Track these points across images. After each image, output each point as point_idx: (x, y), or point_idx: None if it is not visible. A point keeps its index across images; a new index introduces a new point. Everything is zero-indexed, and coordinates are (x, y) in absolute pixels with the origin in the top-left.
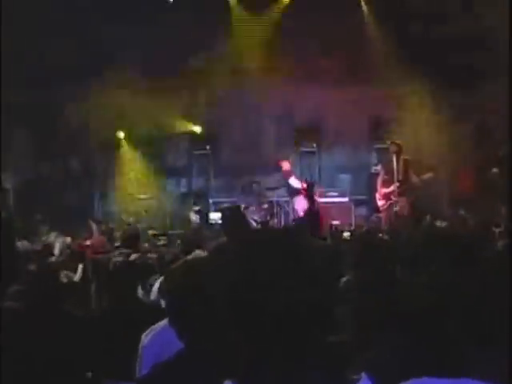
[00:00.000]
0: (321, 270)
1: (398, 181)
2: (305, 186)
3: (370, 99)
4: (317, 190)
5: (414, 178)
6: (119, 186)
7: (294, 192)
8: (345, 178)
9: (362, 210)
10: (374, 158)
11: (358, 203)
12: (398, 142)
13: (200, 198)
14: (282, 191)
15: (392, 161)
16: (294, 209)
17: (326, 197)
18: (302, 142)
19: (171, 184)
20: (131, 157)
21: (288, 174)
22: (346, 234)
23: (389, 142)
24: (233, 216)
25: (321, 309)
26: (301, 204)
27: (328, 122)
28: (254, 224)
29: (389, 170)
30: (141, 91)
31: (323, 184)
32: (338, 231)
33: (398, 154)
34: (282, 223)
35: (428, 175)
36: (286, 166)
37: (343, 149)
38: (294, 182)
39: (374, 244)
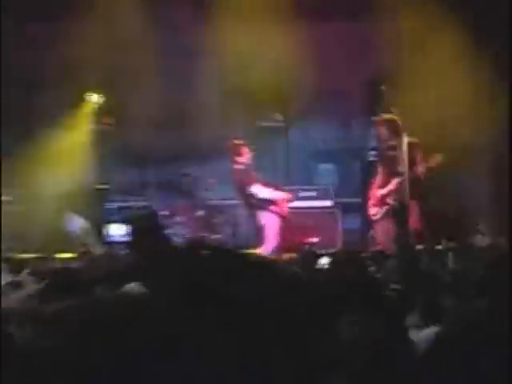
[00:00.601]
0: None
1: (398, 174)
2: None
3: (366, 42)
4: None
5: (420, 168)
6: None
7: (258, 206)
8: (327, 169)
9: (354, 222)
10: (372, 137)
11: (347, 209)
12: (393, 117)
13: (94, 199)
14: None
15: (389, 146)
16: (257, 224)
17: (299, 199)
18: (260, 112)
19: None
20: None
21: (247, 178)
22: (324, 261)
23: (381, 116)
24: (143, 229)
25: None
26: (270, 219)
27: (301, 81)
28: (180, 242)
29: (385, 161)
30: None
31: (293, 179)
32: (313, 254)
33: (397, 134)
34: (228, 242)
35: (436, 159)
36: (243, 158)
37: (325, 123)
38: (260, 191)
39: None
